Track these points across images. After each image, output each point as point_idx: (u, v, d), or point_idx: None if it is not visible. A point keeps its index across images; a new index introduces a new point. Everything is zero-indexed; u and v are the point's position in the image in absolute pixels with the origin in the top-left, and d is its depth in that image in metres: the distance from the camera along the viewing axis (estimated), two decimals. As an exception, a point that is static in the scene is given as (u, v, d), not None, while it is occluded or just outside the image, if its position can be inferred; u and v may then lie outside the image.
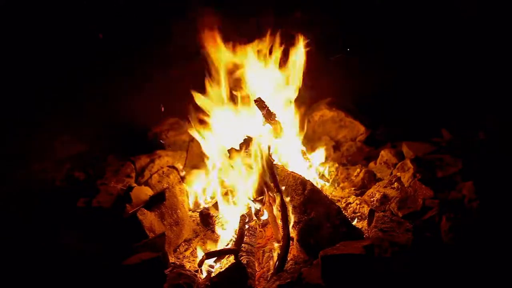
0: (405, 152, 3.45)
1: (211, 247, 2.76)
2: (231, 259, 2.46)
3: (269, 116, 3.12)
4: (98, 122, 4.13)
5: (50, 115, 3.99)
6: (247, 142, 3.00)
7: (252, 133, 3.10)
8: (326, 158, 3.71)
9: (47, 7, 4.29)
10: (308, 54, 3.41)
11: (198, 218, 3.17)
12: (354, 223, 2.82)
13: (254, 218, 2.85)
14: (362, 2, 4.57)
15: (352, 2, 4.55)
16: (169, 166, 3.73)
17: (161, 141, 4.00)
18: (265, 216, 2.89)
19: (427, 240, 2.44)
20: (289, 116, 3.41)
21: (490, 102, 3.83)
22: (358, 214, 2.98)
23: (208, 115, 3.33)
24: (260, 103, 3.10)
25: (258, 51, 3.36)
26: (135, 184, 3.50)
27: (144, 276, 2.29)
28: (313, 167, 3.46)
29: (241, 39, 3.35)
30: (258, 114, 3.17)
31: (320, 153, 3.66)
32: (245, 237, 2.67)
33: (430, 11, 4.42)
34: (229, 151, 3.08)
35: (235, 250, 2.47)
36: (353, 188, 3.39)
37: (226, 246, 2.72)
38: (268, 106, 3.12)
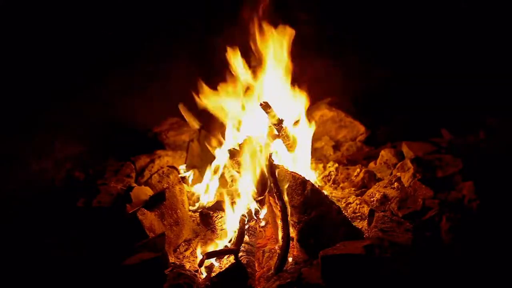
0: (405, 152, 3.44)
1: (211, 247, 2.76)
2: (231, 259, 2.46)
3: (275, 121, 3.08)
4: (98, 122, 4.13)
5: (50, 115, 3.98)
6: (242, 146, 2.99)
7: (252, 133, 3.10)
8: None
9: (46, 7, 4.29)
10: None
11: (198, 218, 3.17)
12: (354, 223, 2.82)
13: (254, 218, 2.84)
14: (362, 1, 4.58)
15: (352, 1, 4.55)
16: (169, 166, 3.73)
17: None
18: (263, 216, 2.89)
19: (427, 240, 2.44)
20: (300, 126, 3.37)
21: (490, 102, 3.83)
22: (358, 214, 2.98)
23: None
24: (265, 107, 3.07)
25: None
26: (135, 184, 3.49)
27: (144, 276, 2.29)
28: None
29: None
30: (264, 117, 3.13)
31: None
32: (245, 237, 2.67)
33: (431, 10, 4.42)
34: (229, 151, 3.08)
35: (235, 250, 2.47)
36: (353, 188, 3.39)
37: (226, 246, 2.72)
38: (273, 110, 3.08)
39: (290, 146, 3.11)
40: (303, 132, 3.26)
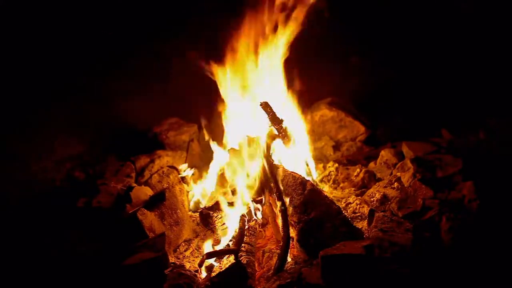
0: (405, 152, 3.44)
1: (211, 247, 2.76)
2: (231, 259, 2.46)
3: (274, 120, 3.08)
4: (98, 122, 4.13)
5: (50, 115, 3.98)
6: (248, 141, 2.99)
7: (252, 133, 3.10)
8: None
9: (46, 7, 4.29)
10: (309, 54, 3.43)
11: (198, 218, 3.17)
12: (354, 223, 2.82)
13: (254, 218, 2.84)
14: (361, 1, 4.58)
15: (352, 1, 4.55)
16: (169, 166, 3.73)
17: None
18: (260, 216, 2.89)
19: (427, 240, 2.44)
20: (296, 122, 3.38)
21: (490, 102, 3.83)
22: (358, 214, 2.98)
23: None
24: (265, 107, 3.07)
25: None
26: (135, 184, 3.49)
27: (144, 276, 2.29)
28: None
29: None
30: (263, 116, 3.14)
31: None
32: (245, 237, 2.67)
33: (431, 10, 4.42)
34: (229, 151, 3.08)
35: (235, 250, 2.47)
36: (353, 188, 3.39)
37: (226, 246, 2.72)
38: (273, 110, 3.08)
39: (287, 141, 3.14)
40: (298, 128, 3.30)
